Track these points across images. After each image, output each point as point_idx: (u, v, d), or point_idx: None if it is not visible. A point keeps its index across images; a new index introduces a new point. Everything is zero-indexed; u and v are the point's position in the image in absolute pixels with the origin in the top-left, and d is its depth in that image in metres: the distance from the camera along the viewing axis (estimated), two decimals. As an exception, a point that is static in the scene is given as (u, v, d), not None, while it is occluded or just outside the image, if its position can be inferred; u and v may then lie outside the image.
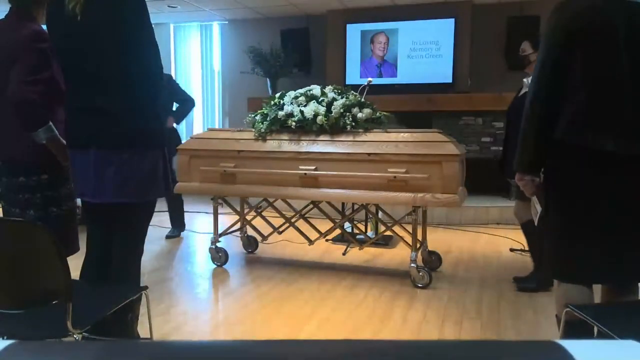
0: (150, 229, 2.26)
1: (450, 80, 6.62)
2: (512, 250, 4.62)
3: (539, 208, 2.09)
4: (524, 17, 6.30)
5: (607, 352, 0.39)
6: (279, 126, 3.75)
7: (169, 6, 7.05)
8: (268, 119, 3.78)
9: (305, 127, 3.64)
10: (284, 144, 3.69)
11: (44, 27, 2.31)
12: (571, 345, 0.39)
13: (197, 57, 8.21)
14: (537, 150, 1.93)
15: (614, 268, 1.86)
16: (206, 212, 4.60)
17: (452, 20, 6.58)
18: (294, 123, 3.67)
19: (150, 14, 2.04)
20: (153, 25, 2.05)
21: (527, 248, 4.51)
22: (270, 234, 4.20)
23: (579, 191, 1.87)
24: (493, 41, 6.55)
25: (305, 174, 3.59)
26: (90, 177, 2.05)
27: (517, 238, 4.97)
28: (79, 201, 2.37)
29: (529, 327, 2.91)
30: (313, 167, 3.59)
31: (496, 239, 5.09)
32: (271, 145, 3.73)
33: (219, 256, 4.10)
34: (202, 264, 4.26)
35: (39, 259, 1.68)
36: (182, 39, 8.22)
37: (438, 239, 4.94)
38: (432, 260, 3.99)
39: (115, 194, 2.04)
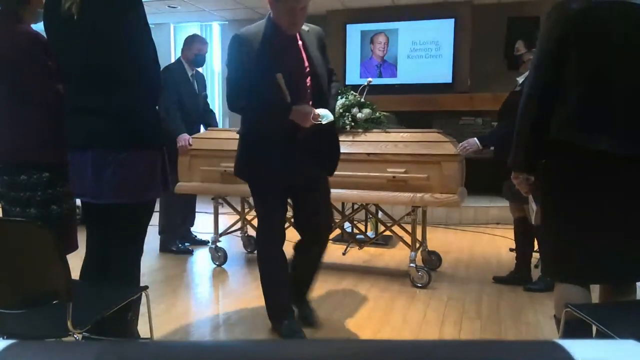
0: (149, 229, 2.27)
1: (450, 80, 6.62)
2: (511, 250, 4.61)
3: (534, 207, 2.10)
4: (524, 17, 6.30)
5: (607, 352, 0.39)
6: None
7: (169, 6, 7.05)
8: None
9: None
10: None
11: (33, 26, 2.32)
12: (571, 345, 0.39)
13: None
14: (532, 149, 1.94)
15: (612, 267, 1.87)
16: (206, 212, 4.61)
17: (452, 20, 6.58)
18: None
19: (150, 14, 2.04)
20: (153, 25, 2.06)
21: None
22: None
23: (574, 191, 1.87)
24: (493, 41, 6.55)
25: (303, 173, 3.60)
26: (88, 177, 2.04)
27: (517, 238, 4.97)
28: (78, 201, 2.37)
29: (529, 327, 2.91)
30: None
31: (496, 239, 5.09)
32: None
33: (219, 256, 4.11)
34: (202, 264, 4.26)
35: (39, 259, 1.68)
36: (182, 39, 8.21)
37: (438, 239, 4.94)
38: (432, 260, 4.00)
39: (114, 194, 2.04)
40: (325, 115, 2.49)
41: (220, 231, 4.17)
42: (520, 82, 3.53)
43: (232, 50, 2.46)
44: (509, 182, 3.20)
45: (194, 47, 4.41)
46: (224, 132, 4.12)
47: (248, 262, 4.30)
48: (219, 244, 4.13)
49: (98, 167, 2.02)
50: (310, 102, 2.53)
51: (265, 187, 2.59)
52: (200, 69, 4.62)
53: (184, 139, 4.00)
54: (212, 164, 3.84)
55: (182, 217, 4.54)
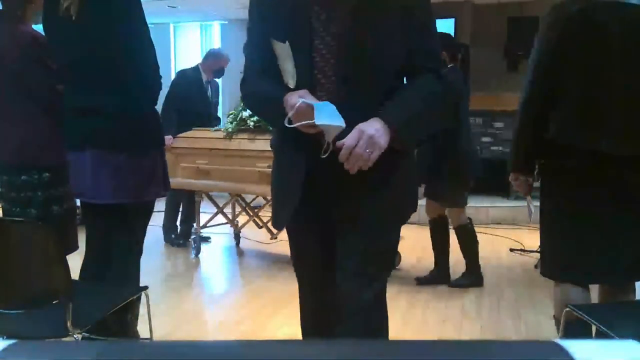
0: (149, 229, 2.27)
1: (450, 80, 6.62)
2: (512, 250, 4.62)
3: (532, 208, 2.11)
4: (524, 18, 6.30)
5: (607, 352, 0.39)
6: (244, 126, 3.93)
7: (169, 6, 7.05)
8: (238, 119, 3.97)
9: (262, 127, 3.77)
10: (244, 143, 3.90)
11: (33, 26, 2.32)
12: (571, 345, 0.39)
13: (197, 57, 8.20)
14: (531, 151, 1.95)
15: (611, 267, 1.87)
16: (205, 212, 4.63)
17: (452, 20, 6.57)
18: (252, 123, 3.86)
19: (150, 14, 2.04)
20: (153, 25, 2.06)
21: (525, 248, 4.54)
22: (245, 223, 4.42)
23: (574, 191, 1.88)
24: (493, 41, 6.55)
25: (259, 171, 3.72)
26: (88, 177, 2.05)
27: (517, 238, 4.97)
28: (78, 201, 2.37)
29: (529, 327, 2.91)
30: (266, 165, 3.65)
31: (496, 239, 5.09)
32: (235, 144, 3.93)
33: (195, 246, 4.27)
34: (202, 264, 4.26)
35: (39, 259, 1.68)
36: (182, 39, 8.22)
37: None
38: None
39: (113, 194, 2.04)
40: (325, 113, 1.34)
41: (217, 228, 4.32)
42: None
43: (249, 15, 1.61)
44: (454, 184, 3.29)
45: (223, 62, 4.67)
46: (204, 132, 4.29)
47: (249, 262, 4.30)
48: (203, 238, 4.33)
49: (97, 168, 2.02)
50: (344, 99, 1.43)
51: (277, 219, 1.68)
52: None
53: (166, 138, 4.16)
54: (189, 161, 4.06)
55: (186, 213, 4.67)
